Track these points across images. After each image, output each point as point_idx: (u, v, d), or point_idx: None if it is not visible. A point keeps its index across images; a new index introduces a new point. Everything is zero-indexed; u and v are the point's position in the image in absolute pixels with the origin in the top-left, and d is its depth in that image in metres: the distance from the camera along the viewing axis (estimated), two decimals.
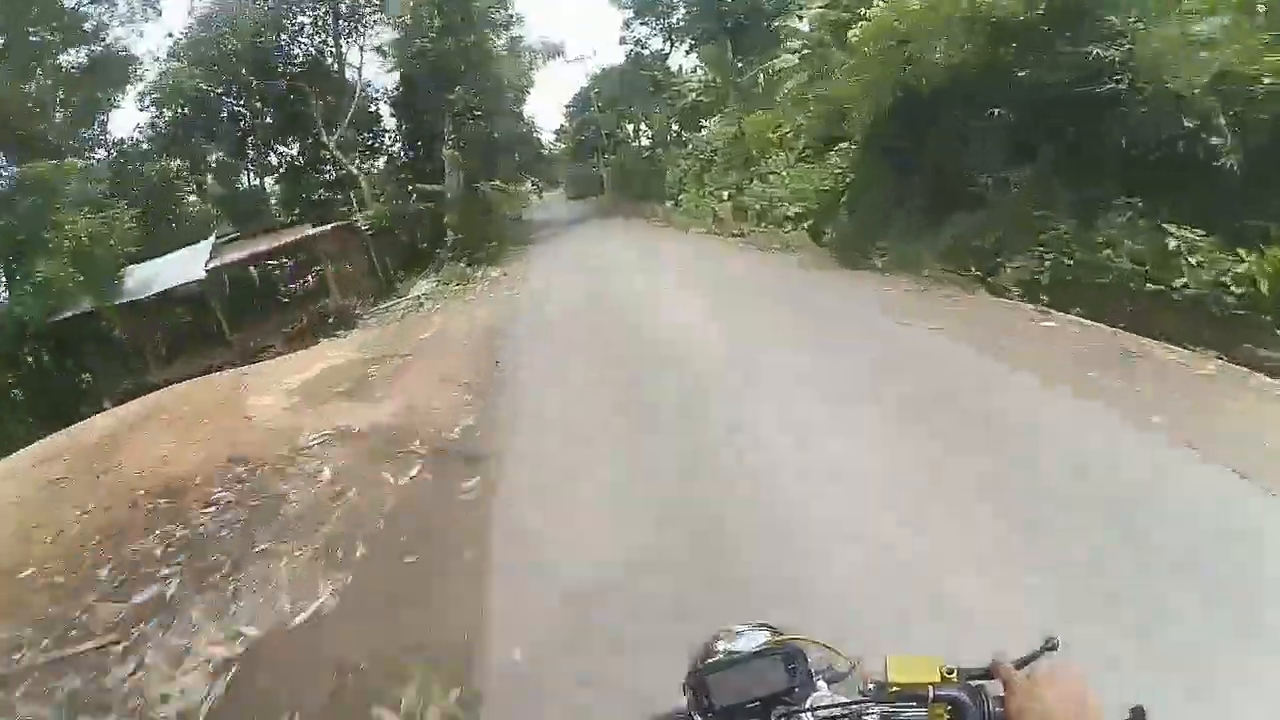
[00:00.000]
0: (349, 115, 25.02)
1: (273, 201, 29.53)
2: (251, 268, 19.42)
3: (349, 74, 25.73)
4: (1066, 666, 0.79)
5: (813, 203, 13.13)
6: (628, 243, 19.06)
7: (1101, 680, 0.80)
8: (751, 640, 0.96)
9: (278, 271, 19.66)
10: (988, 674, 0.84)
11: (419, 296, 17.06)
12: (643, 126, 39.97)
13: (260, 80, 24.90)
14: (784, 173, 14.85)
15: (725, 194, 17.89)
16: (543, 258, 19.46)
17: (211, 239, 17.44)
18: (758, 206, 15.18)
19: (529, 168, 37.77)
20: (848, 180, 11.81)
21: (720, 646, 0.97)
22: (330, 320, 16.50)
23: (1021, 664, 0.84)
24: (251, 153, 28.74)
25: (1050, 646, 0.86)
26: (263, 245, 16.76)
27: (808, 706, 0.87)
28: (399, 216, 21.05)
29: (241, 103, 26.82)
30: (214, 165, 26.84)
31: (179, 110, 25.15)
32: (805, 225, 13.02)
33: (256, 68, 24.74)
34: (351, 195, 23.25)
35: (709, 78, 24.12)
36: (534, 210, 46.56)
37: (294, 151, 29.07)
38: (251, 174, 30.43)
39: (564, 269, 16.53)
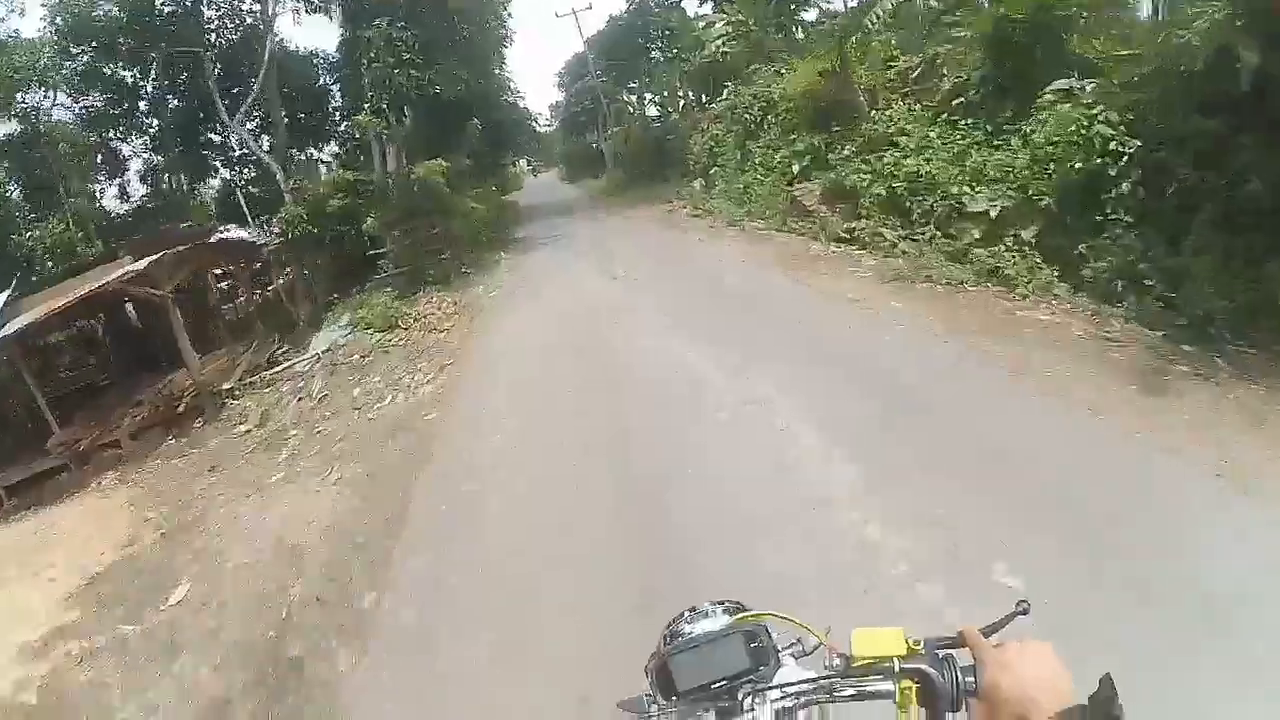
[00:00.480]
0: (258, 86, 18.48)
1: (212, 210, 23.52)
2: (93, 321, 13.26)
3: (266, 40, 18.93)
4: (1035, 641, 0.77)
5: (1014, 194, 6.63)
6: (651, 253, 12.46)
7: None
8: (716, 621, 0.92)
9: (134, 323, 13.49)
10: (955, 643, 0.82)
11: (315, 358, 10.68)
12: (649, 93, 33.04)
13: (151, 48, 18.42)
14: (932, 135, 8.22)
15: (797, 167, 11.24)
16: (518, 283, 12.87)
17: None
18: (881, 192, 8.54)
19: (509, 143, 31.06)
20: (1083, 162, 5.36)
21: (684, 629, 0.93)
22: (180, 407, 10.21)
23: (990, 630, 0.83)
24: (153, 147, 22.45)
25: (1021, 611, 0.85)
26: (81, 289, 10.30)
27: (774, 684, 0.85)
28: (324, 217, 14.52)
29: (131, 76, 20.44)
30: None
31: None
32: (1018, 235, 6.46)
33: (145, 33, 18.24)
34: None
35: (740, 19, 17.07)
36: (524, 192, 40.86)
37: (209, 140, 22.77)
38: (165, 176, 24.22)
39: (546, 313, 9.98)
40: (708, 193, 16.12)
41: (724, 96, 15.79)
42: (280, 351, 12.25)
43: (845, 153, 9.77)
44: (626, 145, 26.59)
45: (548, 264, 13.92)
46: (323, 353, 10.73)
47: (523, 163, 68.75)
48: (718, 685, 0.85)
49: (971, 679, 0.78)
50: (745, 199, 13.28)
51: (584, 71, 35.89)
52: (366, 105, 16.83)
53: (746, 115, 13.99)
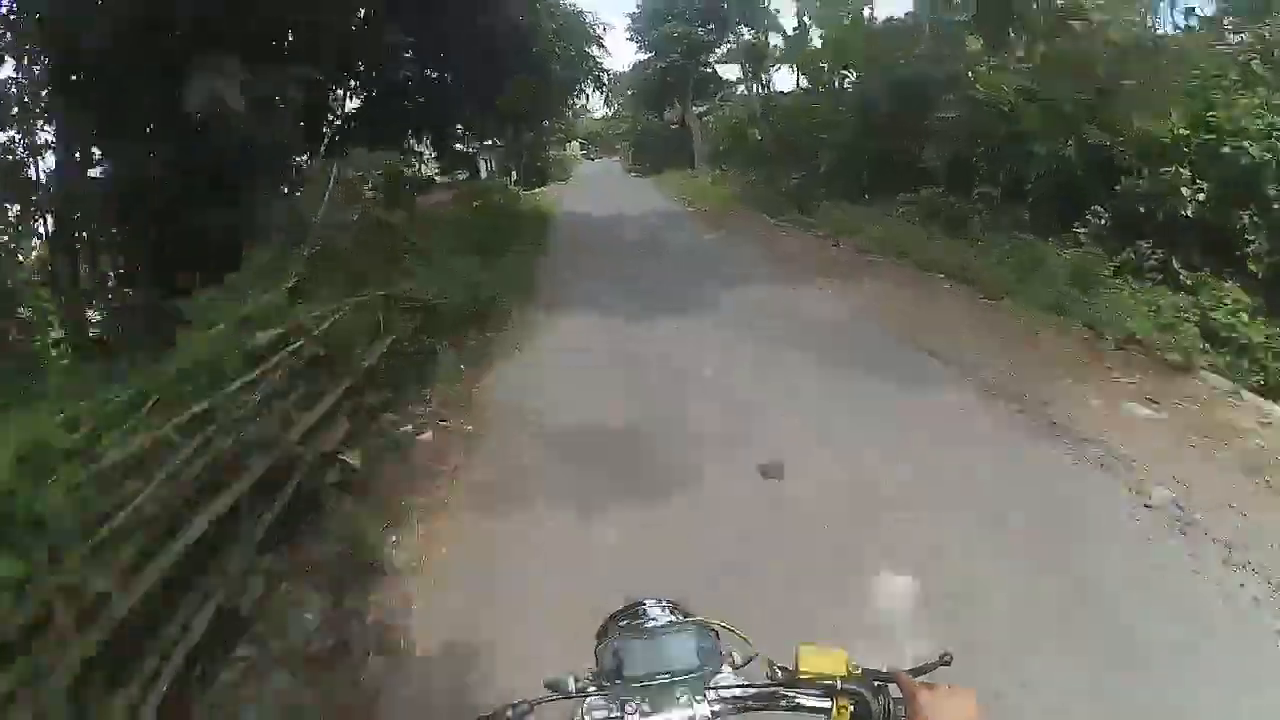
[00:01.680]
0: None
1: None
2: None
3: None
4: (960, 688, 0.82)
5: None
6: None
7: None
8: (659, 617, 0.94)
9: None
10: (888, 677, 0.85)
11: None
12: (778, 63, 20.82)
13: None
14: None
15: None
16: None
17: None
18: None
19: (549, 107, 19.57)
20: None
21: (629, 620, 0.95)
22: None
23: (915, 672, 0.86)
24: None
25: (944, 661, 0.88)
26: None
27: (713, 685, 0.85)
28: None
29: None
30: None
31: None
32: None
33: None
34: None
35: None
36: (568, 189, 27.40)
37: None
38: None
39: None
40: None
41: None
42: None
43: None
44: (763, 129, 14.99)
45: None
46: None
47: (573, 145, 57.31)
48: (662, 677, 0.84)
49: (901, 712, 0.81)
50: None
51: (670, 9, 24.29)
52: None
53: None
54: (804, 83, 19.15)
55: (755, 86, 23.33)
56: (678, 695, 0.82)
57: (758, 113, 16.27)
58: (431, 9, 9.76)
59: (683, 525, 3.09)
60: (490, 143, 33.61)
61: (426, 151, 14.84)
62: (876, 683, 0.83)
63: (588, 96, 16.19)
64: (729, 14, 26.10)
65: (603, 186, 26.87)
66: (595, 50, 18.54)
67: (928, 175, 9.77)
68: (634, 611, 0.96)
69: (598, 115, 73.24)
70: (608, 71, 17.79)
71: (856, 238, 8.38)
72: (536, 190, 28.28)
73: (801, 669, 0.85)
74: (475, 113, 13.37)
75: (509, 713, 0.79)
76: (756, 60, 19.57)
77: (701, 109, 27.38)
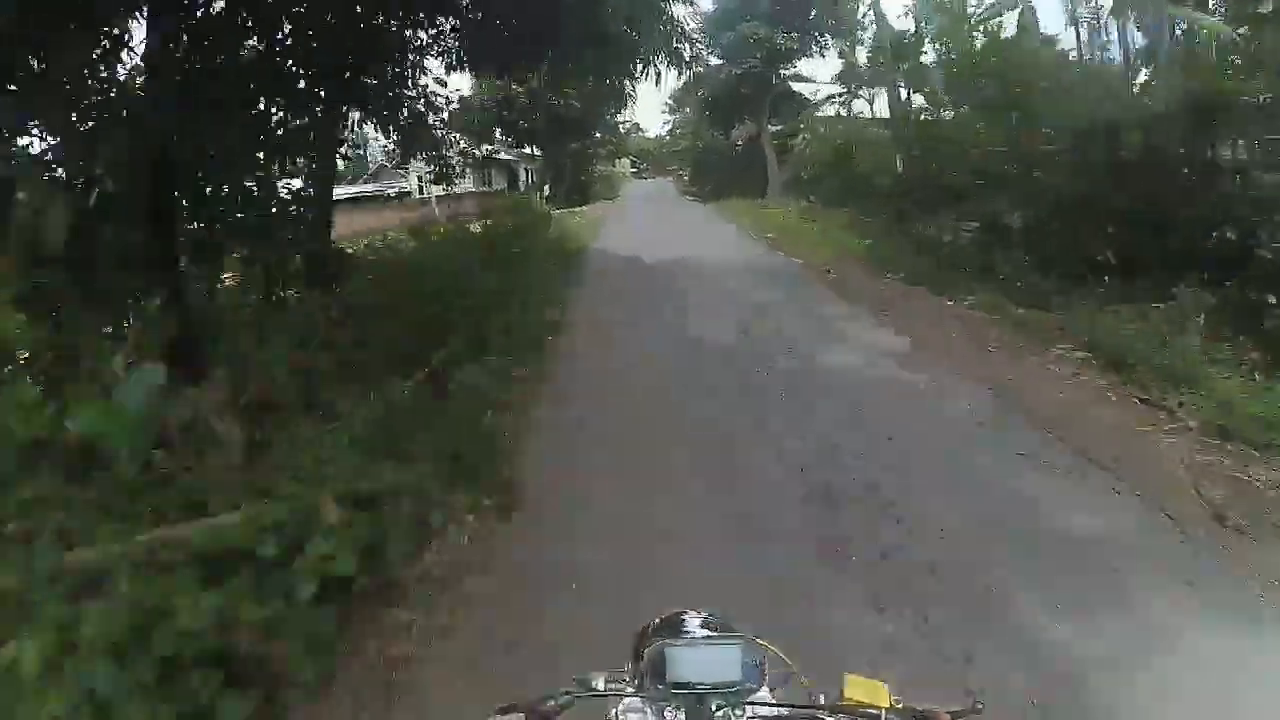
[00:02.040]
0: None
1: None
2: None
3: None
4: None
5: None
6: None
7: None
8: (697, 627, 0.93)
9: None
10: (926, 715, 0.83)
11: None
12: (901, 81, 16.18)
13: None
14: None
15: None
16: None
17: None
18: None
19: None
20: None
21: (675, 625, 0.94)
22: None
23: (954, 714, 0.84)
24: None
25: (976, 710, 0.85)
26: None
27: (752, 700, 0.85)
28: None
29: None
30: None
31: None
32: None
33: None
34: None
35: None
36: (614, 214, 22.74)
37: None
38: None
39: None
40: None
41: None
42: None
43: None
44: (904, 155, 10.76)
45: None
46: None
47: (623, 162, 53.63)
48: (702, 686, 0.83)
49: None
50: None
51: (747, 8, 20.15)
52: None
53: None
54: (920, 102, 15.06)
55: (854, 103, 19.29)
56: (715, 707, 0.82)
57: (903, 132, 12.01)
58: None
59: None
60: (530, 150, 29.89)
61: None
62: (916, 717, 0.83)
63: (659, 77, 11.05)
64: (817, 20, 22.16)
65: (656, 211, 22.66)
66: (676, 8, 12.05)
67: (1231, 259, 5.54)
68: (674, 620, 0.94)
69: (650, 135, 69.68)
70: (691, 42, 11.90)
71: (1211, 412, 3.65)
72: (578, 209, 24.33)
73: (846, 696, 0.84)
74: None
75: (551, 702, 0.80)
76: (878, 70, 15.44)
77: (777, 128, 23.42)
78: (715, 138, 27.98)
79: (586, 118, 25.47)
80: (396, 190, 22.68)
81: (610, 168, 44.18)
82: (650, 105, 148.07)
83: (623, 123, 49.53)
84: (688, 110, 38.43)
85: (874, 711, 0.81)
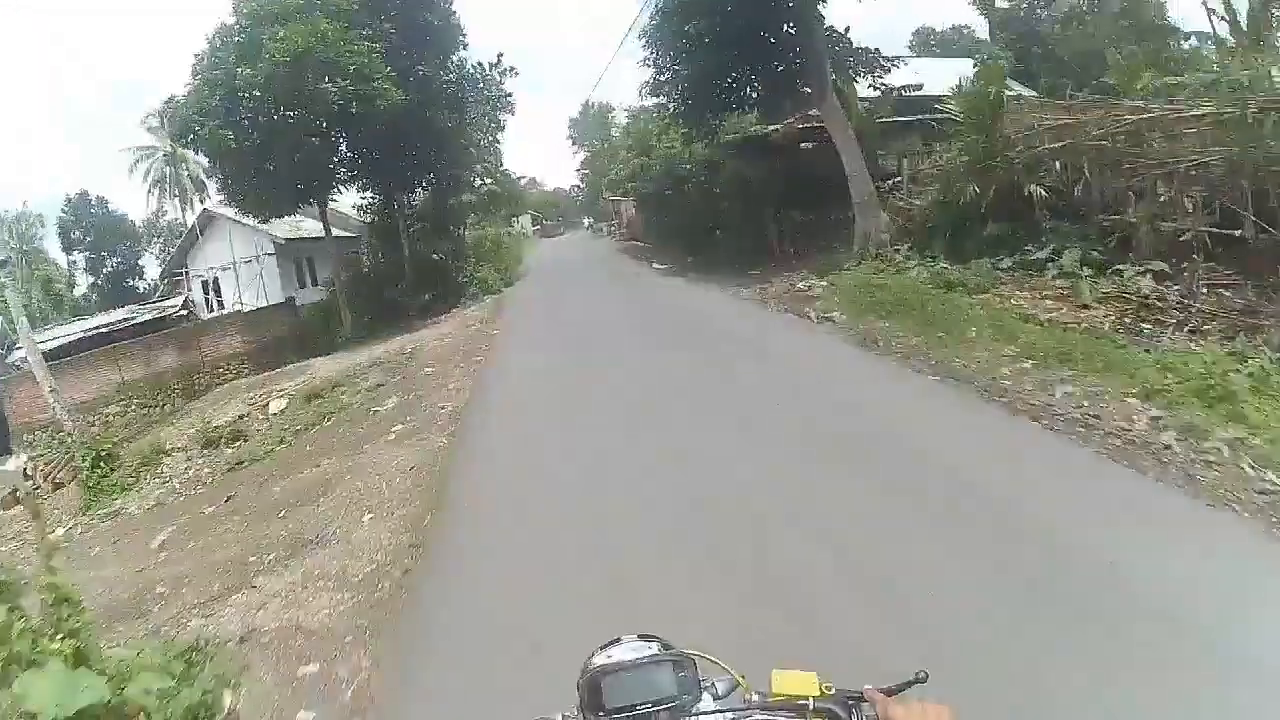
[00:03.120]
0: None
1: None
2: None
3: None
4: (935, 705, 0.82)
5: None
6: None
7: None
8: (641, 650, 0.95)
9: None
10: (860, 697, 0.87)
11: None
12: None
13: None
14: None
15: None
16: None
17: None
18: None
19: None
20: None
21: (612, 653, 0.96)
22: None
23: (890, 692, 0.87)
24: None
25: (919, 679, 0.89)
26: None
27: (694, 713, 0.89)
28: None
29: None
30: None
31: None
32: None
33: None
34: None
35: None
36: (524, 298, 17.41)
37: None
38: None
39: None
40: None
41: None
42: None
43: None
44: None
45: None
46: None
47: (523, 220, 48.42)
48: (643, 707, 0.87)
49: None
50: None
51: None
52: None
53: None
54: None
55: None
56: None
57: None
58: None
59: None
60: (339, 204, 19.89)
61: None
62: (849, 701, 0.87)
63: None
64: None
65: (580, 287, 17.16)
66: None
67: None
68: (610, 648, 0.95)
69: (549, 188, 64.72)
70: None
71: None
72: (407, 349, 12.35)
73: (776, 691, 0.88)
74: None
75: None
76: None
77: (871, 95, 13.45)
78: (692, 149, 17.27)
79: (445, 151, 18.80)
80: None
81: (509, 228, 38.86)
82: (559, 153, 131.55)
83: (521, 177, 43.83)
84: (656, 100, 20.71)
85: (803, 702, 0.86)
